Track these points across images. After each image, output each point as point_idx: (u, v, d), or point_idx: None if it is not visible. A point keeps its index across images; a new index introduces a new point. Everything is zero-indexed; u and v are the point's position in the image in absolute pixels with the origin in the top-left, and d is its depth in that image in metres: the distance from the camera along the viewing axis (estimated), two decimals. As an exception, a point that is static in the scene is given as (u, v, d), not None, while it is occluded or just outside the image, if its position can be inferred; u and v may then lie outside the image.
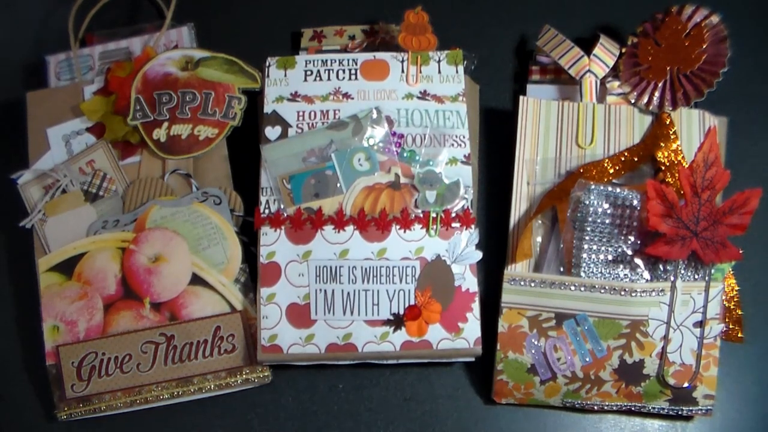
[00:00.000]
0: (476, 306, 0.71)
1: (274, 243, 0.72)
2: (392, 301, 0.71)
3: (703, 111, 0.74)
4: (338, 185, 0.73)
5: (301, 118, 0.75)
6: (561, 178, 0.74)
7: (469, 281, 0.71)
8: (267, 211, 0.73)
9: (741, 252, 0.69)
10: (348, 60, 0.77)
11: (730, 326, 0.72)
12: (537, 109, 0.75)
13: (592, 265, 0.70)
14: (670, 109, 0.74)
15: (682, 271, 0.70)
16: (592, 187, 0.70)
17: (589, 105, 0.75)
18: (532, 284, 0.70)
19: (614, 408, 0.71)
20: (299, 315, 0.71)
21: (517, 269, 0.72)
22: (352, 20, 0.84)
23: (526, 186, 0.74)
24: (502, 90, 0.83)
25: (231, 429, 0.74)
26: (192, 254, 0.74)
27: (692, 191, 0.69)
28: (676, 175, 0.72)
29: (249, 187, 0.75)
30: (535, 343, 0.70)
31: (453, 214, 0.72)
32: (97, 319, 0.73)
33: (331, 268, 0.71)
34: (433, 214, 0.72)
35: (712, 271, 0.70)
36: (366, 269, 0.71)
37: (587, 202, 0.70)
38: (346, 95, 0.76)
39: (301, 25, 0.84)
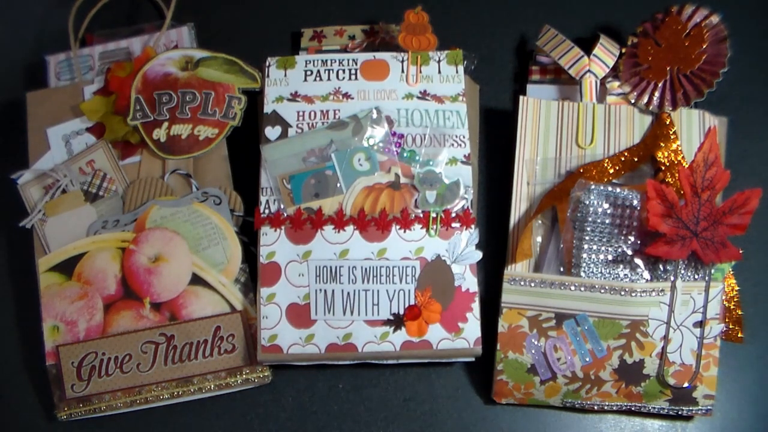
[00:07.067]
0: (476, 306, 0.71)
1: (274, 243, 0.72)
2: (392, 301, 0.71)
3: (703, 111, 0.74)
4: (338, 185, 0.73)
5: (301, 118, 0.75)
6: (561, 178, 0.74)
7: (469, 281, 0.71)
8: (267, 211, 0.73)
9: (741, 252, 0.69)
10: (348, 60, 0.77)
11: (730, 326, 0.72)
12: (537, 109, 0.75)
13: (592, 265, 0.70)
14: (670, 109, 0.74)
15: (682, 271, 0.70)
16: (592, 187, 0.70)
17: (589, 105, 0.75)
18: (532, 284, 0.70)
19: (614, 408, 0.71)
20: (299, 315, 0.71)
21: (517, 269, 0.72)
22: (352, 20, 0.84)
23: (526, 186, 0.74)
24: (502, 90, 0.83)
25: (231, 429, 0.74)
26: (192, 254, 0.74)
27: (692, 191, 0.69)
28: (676, 175, 0.72)
29: (249, 187, 0.75)
30: (535, 343, 0.70)
31: (453, 214, 0.72)
32: (97, 319, 0.73)
33: (331, 268, 0.71)
34: (433, 214, 0.72)
35: (712, 271, 0.70)
36: (366, 269, 0.71)
37: (587, 202, 0.70)
38: (346, 95, 0.76)
39: (301, 25, 0.84)
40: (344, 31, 0.83)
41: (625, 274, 0.70)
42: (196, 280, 0.74)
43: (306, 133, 0.75)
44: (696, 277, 0.70)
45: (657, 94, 0.75)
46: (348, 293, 0.71)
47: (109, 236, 0.74)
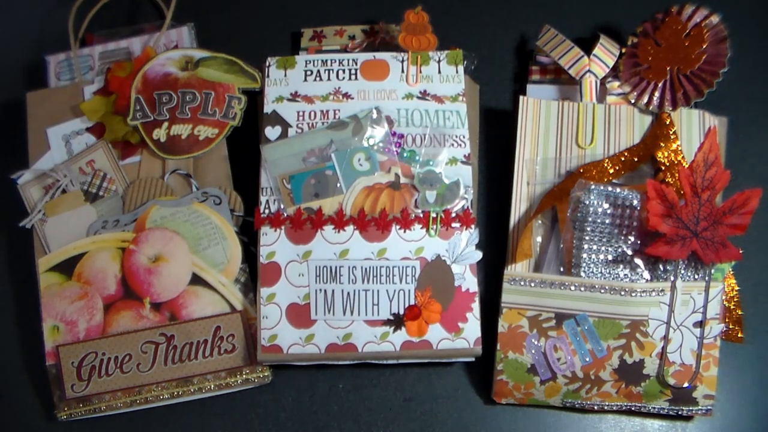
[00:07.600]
0: (476, 306, 0.71)
1: (274, 243, 0.72)
2: (392, 301, 0.71)
3: (703, 111, 0.74)
4: (338, 185, 0.73)
5: (301, 118, 0.75)
6: (561, 178, 0.74)
7: (469, 281, 0.71)
8: (267, 211, 0.73)
9: (741, 252, 0.69)
10: (348, 60, 0.77)
11: (730, 326, 0.72)
12: (537, 109, 0.75)
13: (592, 265, 0.70)
14: (670, 109, 0.74)
15: (682, 271, 0.70)
16: (592, 187, 0.70)
17: (589, 105, 0.75)
18: (532, 284, 0.70)
19: (614, 408, 0.71)
20: (299, 315, 0.71)
21: (517, 269, 0.72)
22: (352, 20, 0.84)
23: (526, 186, 0.74)
24: (502, 90, 0.83)
25: (231, 429, 0.74)
26: (192, 254, 0.74)
27: (692, 191, 0.69)
28: (676, 175, 0.72)
29: (249, 187, 0.75)
30: (535, 343, 0.70)
31: (453, 214, 0.72)
32: (97, 319, 0.73)
33: (331, 268, 0.71)
34: (433, 214, 0.72)
35: (712, 271, 0.70)
36: (366, 269, 0.71)
37: (587, 202, 0.70)
38: (346, 95, 0.76)
39: (301, 25, 0.84)
40: (344, 31, 0.83)
41: (625, 274, 0.70)
42: (196, 280, 0.74)
43: (306, 133, 0.75)
44: (696, 277, 0.70)
45: (657, 94, 0.75)
46: (348, 293, 0.71)
47: (109, 236, 0.74)
